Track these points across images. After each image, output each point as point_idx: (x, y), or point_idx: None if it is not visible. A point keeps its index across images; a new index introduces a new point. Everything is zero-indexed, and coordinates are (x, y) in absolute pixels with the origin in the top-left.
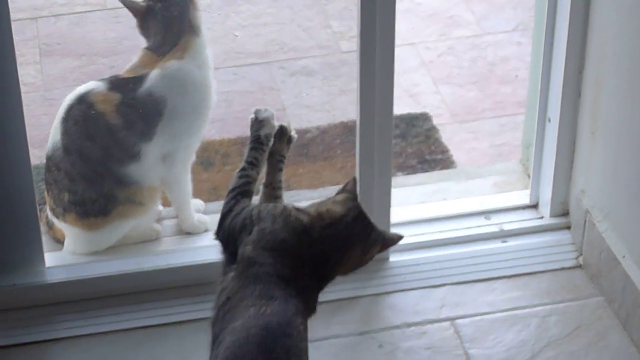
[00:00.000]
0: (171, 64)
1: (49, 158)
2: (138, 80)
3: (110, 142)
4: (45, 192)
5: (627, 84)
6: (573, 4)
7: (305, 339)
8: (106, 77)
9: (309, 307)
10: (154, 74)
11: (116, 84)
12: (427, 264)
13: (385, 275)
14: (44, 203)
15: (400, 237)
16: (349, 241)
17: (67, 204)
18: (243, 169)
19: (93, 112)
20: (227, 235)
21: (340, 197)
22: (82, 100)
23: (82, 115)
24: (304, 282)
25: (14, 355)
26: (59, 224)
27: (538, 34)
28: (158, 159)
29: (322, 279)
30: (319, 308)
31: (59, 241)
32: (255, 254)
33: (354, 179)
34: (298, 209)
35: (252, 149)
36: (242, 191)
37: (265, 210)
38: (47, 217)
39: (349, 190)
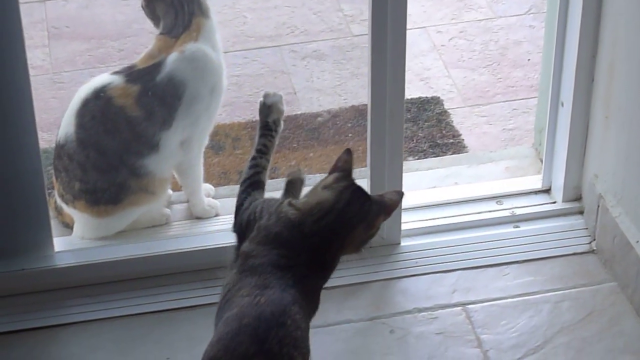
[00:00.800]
0: (188, 46)
1: (60, 147)
2: (156, 67)
3: (129, 136)
4: (54, 178)
5: None
6: None
7: (301, 328)
8: (121, 70)
9: (311, 297)
10: (172, 58)
11: (134, 75)
12: (439, 248)
13: (397, 260)
14: (52, 188)
15: (401, 194)
16: (347, 225)
17: (77, 191)
18: (253, 158)
19: (112, 108)
20: (240, 229)
21: (331, 178)
22: (99, 95)
23: (100, 111)
24: (302, 272)
25: (23, 340)
26: (68, 209)
27: (551, 17)
28: (176, 146)
29: (324, 268)
30: (331, 293)
31: (67, 226)
32: (251, 248)
33: (347, 151)
34: (291, 204)
35: (260, 135)
36: (252, 182)
37: (265, 207)
38: (55, 202)
39: (341, 168)
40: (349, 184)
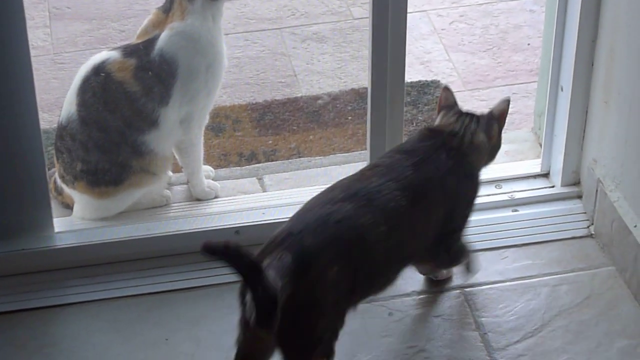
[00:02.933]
0: (175, 24)
1: (62, 127)
2: (150, 42)
3: (130, 111)
4: (55, 159)
5: None
6: None
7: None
8: (119, 46)
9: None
10: (163, 35)
11: (129, 50)
12: None
13: None
14: (52, 167)
15: (507, 100)
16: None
17: (79, 172)
18: None
19: (111, 82)
20: None
21: (441, 115)
22: (99, 71)
23: (100, 87)
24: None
25: (23, 320)
26: (68, 191)
27: (551, 2)
28: (176, 123)
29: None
30: None
31: (68, 207)
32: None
33: (445, 88)
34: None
35: None
36: None
37: None
38: (55, 183)
39: (444, 105)
40: (457, 110)
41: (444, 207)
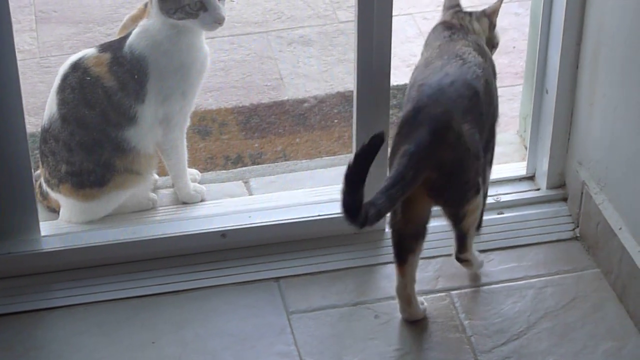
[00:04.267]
0: (145, 21)
1: (45, 130)
2: (124, 39)
3: (107, 106)
4: (40, 164)
5: (625, 57)
6: None
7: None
8: (98, 45)
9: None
10: (134, 32)
11: (106, 45)
12: None
13: (382, 245)
14: (37, 170)
15: (500, 0)
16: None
17: (64, 174)
18: None
19: (89, 77)
20: None
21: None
22: (77, 67)
23: (78, 82)
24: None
25: (9, 323)
26: (54, 195)
27: (536, 5)
28: (155, 122)
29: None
30: (317, 278)
31: (54, 211)
32: None
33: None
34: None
35: None
36: None
37: None
38: (41, 187)
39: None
40: (456, 10)
41: (493, 79)
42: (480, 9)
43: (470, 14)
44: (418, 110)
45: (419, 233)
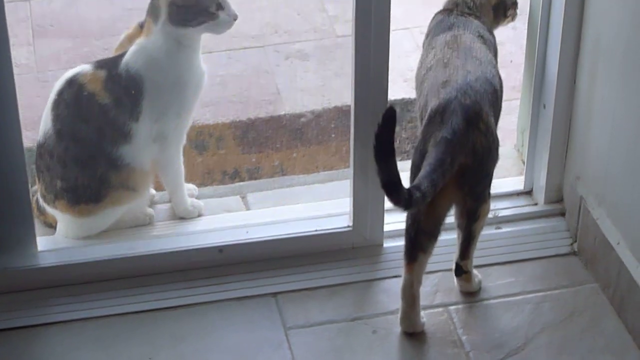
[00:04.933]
0: (142, 40)
1: (40, 146)
2: (120, 56)
3: (102, 123)
4: (37, 179)
5: (621, 72)
6: None
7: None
8: (93, 61)
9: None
10: (130, 50)
11: (102, 62)
12: None
13: (380, 261)
14: (35, 185)
15: None
16: None
17: (59, 190)
18: None
19: (83, 94)
20: None
21: None
22: (72, 84)
23: (73, 98)
24: None
25: (5, 339)
26: (50, 210)
27: (533, 19)
28: (149, 139)
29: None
30: (314, 293)
31: (50, 226)
32: None
33: None
34: None
35: None
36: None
37: None
38: (37, 202)
39: None
40: None
41: (495, 58)
42: None
43: None
44: (449, 101)
45: (434, 232)
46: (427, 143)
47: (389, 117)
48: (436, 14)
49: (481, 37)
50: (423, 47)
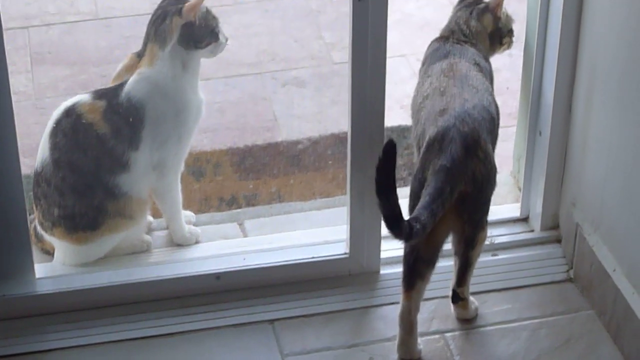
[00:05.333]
0: (144, 69)
1: (37, 173)
2: (120, 86)
3: (100, 152)
4: (34, 206)
5: (617, 99)
6: (564, 17)
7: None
8: (92, 90)
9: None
10: (131, 80)
11: (101, 92)
12: None
13: (376, 287)
14: (32, 213)
15: None
16: None
17: (56, 218)
18: None
19: (82, 123)
20: None
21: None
22: (70, 113)
23: (71, 128)
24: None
25: None
26: (48, 237)
27: (529, 46)
28: (148, 168)
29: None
30: (311, 320)
31: (48, 253)
32: None
33: None
34: None
35: None
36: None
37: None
38: (35, 229)
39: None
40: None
41: (491, 85)
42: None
43: (471, 11)
44: (447, 129)
45: (432, 260)
46: (426, 171)
47: (389, 150)
48: (432, 42)
49: (477, 64)
50: (419, 75)
